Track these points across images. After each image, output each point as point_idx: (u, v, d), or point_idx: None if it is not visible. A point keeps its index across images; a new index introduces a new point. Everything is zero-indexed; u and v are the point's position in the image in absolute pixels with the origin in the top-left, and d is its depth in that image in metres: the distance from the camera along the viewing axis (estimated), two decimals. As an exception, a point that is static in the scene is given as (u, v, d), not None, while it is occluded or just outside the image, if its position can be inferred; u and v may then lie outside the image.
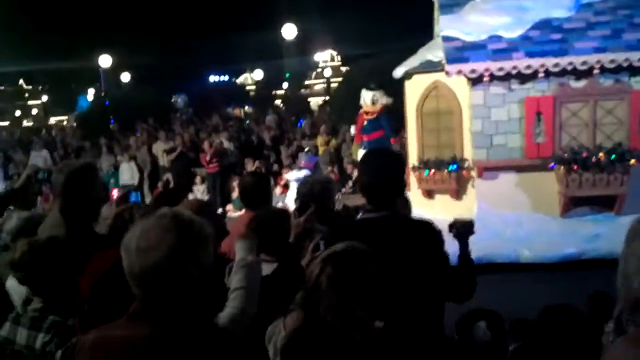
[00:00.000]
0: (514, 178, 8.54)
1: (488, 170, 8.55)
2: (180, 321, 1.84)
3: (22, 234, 3.51)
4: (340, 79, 30.53)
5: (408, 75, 9.24)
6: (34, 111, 48.78)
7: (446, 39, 8.42)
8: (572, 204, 8.42)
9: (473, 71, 8.11)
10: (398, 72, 9.30)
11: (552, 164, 8.23)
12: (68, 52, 31.96)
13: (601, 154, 8.05)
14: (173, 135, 17.94)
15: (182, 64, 36.85)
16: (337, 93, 23.02)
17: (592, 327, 2.99)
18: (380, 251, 2.52)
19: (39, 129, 31.14)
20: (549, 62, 7.94)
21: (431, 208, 8.94)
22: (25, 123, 40.03)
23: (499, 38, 8.29)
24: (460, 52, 8.20)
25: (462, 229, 3.07)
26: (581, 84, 8.16)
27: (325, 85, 40.15)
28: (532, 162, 8.36)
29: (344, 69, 40.11)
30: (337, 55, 47.91)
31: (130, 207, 3.39)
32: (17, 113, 46.25)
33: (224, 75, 43.30)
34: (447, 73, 8.19)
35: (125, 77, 37.40)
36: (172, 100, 32.99)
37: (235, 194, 13.81)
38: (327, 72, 40.64)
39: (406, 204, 4.88)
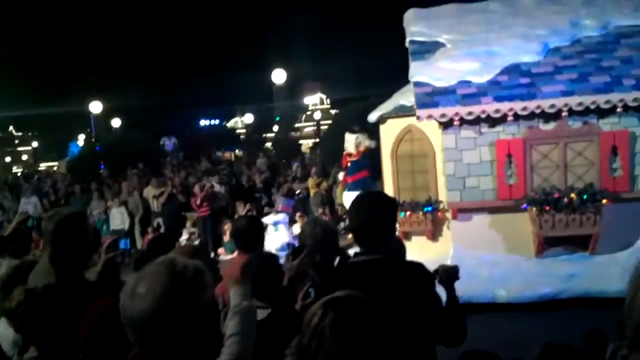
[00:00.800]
0: (488, 219, 8.63)
1: (462, 211, 8.64)
2: None
3: (12, 281, 3.53)
4: (329, 122, 30.86)
5: (382, 119, 9.41)
6: (24, 157, 49.01)
7: (417, 84, 8.61)
8: (547, 244, 8.49)
9: (443, 115, 8.27)
10: (373, 117, 9.47)
11: (525, 205, 8.33)
12: (58, 98, 32.33)
13: (573, 195, 8.16)
14: (164, 179, 18.05)
15: (173, 109, 37.23)
16: (327, 135, 23.26)
17: None
18: (373, 295, 2.50)
19: (29, 175, 31.22)
20: (517, 105, 8.11)
21: (408, 250, 8.95)
22: (15, 169, 40.12)
23: (468, 83, 8.47)
24: (430, 97, 8.37)
25: (446, 275, 3.11)
26: (550, 126, 8.32)
27: (315, 127, 40.52)
28: (505, 203, 8.46)
29: (333, 111, 40.57)
30: (327, 98, 48.47)
31: (119, 254, 3.42)
32: (7, 159, 46.39)
33: (215, 119, 43.71)
34: (418, 118, 8.35)
35: (116, 122, 37.72)
36: (161, 143, 33.22)
37: (226, 238, 13.83)
38: (317, 115, 41.09)
39: (400, 246, 4.91)
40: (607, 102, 7.99)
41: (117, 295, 2.07)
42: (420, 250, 8.74)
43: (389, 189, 9.43)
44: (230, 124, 46.25)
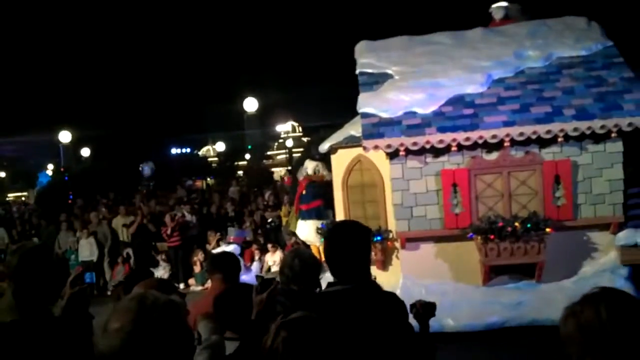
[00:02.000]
0: (436, 248, 8.70)
1: (410, 241, 8.70)
2: None
3: None
4: (302, 150, 30.93)
5: (333, 149, 9.49)
6: (-10, 187, 48.53)
7: (364, 115, 8.71)
8: (493, 273, 8.57)
9: (389, 146, 8.37)
10: (324, 147, 9.54)
11: (470, 234, 8.41)
12: (27, 127, 32.09)
13: (517, 224, 8.26)
14: (133, 209, 17.90)
15: (143, 137, 37.10)
16: (299, 163, 23.20)
17: None
18: (345, 324, 2.52)
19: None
20: (460, 136, 8.23)
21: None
22: (-18, 200, 39.62)
23: (413, 114, 8.60)
24: (376, 128, 8.47)
25: (423, 310, 3.13)
26: (494, 156, 8.46)
27: (287, 155, 40.57)
28: (451, 232, 8.54)
29: (305, 139, 40.71)
30: (298, 126, 48.78)
31: (86, 287, 3.35)
32: (-26, 190, 45.81)
33: (186, 148, 43.68)
34: (365, 148, 8.43)
35: (85, 151, 37.48)
36: (140, 168, 32.94)
37: (197, 269, 13.74)
38: (289, 143, 41.18)
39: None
40: (548, 132, 8.15)
41: (86, 330, 2.07)
42: (370, 280, 8.77)
43: (340, 219, 9.46)
44: (201, 152, 46.27)
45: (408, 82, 9.02)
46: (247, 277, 10.14)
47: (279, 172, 37.91)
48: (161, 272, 13.94)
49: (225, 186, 27.82)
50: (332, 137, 9.58)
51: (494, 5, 10.66)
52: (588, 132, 8.13)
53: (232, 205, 19.16)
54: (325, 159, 10.38)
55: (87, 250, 14.88)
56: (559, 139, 8.22)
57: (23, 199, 33.87)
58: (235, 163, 40.64)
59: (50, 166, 35.94)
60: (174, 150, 42.74)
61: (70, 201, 25.15)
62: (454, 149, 8.35)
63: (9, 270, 3.30)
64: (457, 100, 8.71)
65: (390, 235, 8.98)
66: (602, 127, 8.09)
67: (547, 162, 8.36)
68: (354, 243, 3.07)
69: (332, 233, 3.23)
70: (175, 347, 1.88)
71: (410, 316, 3.10)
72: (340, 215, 9.48)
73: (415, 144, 8.33)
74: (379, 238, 8.96)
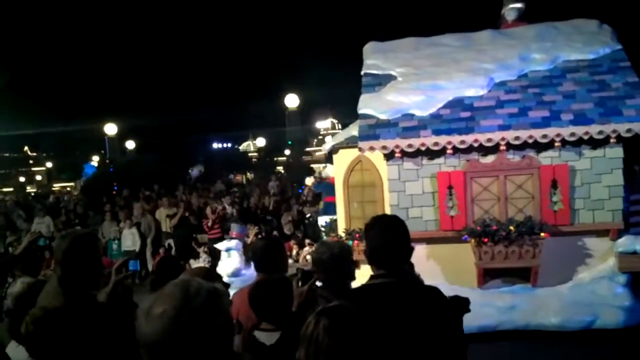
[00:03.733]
0: (431, 250, 8.75)
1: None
2: None
3: (24, 299, 3.55)
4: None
5: (335, 149, 9.63)
6: (38, 177, 49.89)
7: (362, 116, 8.83)
8: (488, 276, 8.57)
9: (384, 147, 8.46)
10: (326, 147, 9.69)
11: (465, 236, 8.44)
12: (73, 119, 33.17)
13: (511, 227, 8.25)
14: (176, 201, 18.39)
15: (186, 132, 37.92)
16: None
17: None
18: (390, 316, 2.61)
19: (42, 195, 31.96)
20: (455, 139, 8.26)
21: (357, 278, 9.13)
22: (29, 189, 40.94)
23: (411, 116, 8.66)
24: (372, 130, 8.57)
25: (458, 306, 3.19)
26: (490, 159, 8.45)
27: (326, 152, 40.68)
28: (447, 234, 8.58)
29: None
30: (338, 123, 48.90)
31: (130, 275, 3.50)
32: (22, 179, 47.15)
33: (227, 142, 44.37)
34: (360, 149, 8.55)
35: (130, 144, 38.52)
36: (189, 170, 33.61)
37: None
38: (328, 140, 41.27)
39: (412, 268, 4.94)
40: (544, 136, 8.11)
41: (130, 316, 2.16)
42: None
43: (340, 218, 9.61)
44: (242, 147, 46.87)
45: (409, 84, 9.09)
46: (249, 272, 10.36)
47: (318, 168, 38.18)
48: (201, 263, 14.27)
49: (265, 181, 28.21)
50: (336, 137, 9.73)
51: (506, 7, 10.58)
52: (586, 137, 8.04)
53: (271, 199, 19.50)
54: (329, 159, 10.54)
55: (129, 240, 15.20)
56: (556, 144, 8.15)
57: (69, 189, 35.05)
58: (275, 159, 41.05)
59: (96, 158, 37.09)
60: (215, 145, 43.51)
61: (114, 192, 25.91)
62: (449, 151, 8.39)
63: (58, 254, 3.36)
64: (456, 103, 8.73)
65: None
66: (600, 132, 7.99)
67: (544, 167, 8.31)
68: (398, 236, 3.10)
69: (375, 226, 3.22)
70: (217, 335, 1.88)
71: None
72: (340, 214, 9.62)
73: (410, 146, 8.40)
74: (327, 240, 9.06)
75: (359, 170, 9.39)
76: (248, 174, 38.08)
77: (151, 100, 35.54)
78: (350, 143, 9.42)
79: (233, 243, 10.49)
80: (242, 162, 40.33)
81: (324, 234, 10.04)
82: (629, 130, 7.94)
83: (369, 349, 2.31)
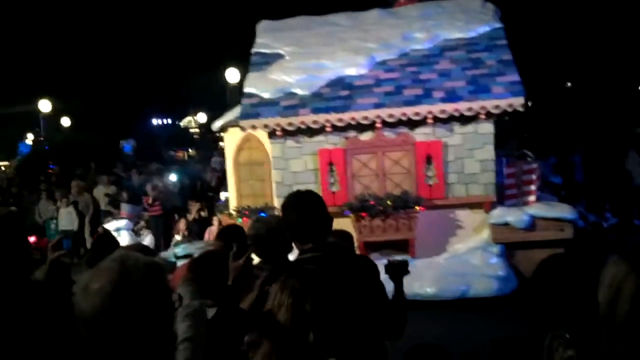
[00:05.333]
0: (315, 225, 8.98)
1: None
2: None
3: None
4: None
5: (225, 127, 9.75)
6: (-31, 157, 48.74)
7: (246, 95, 8.97)
8: (369, 249, 8.87)
9: (266, 126, 8.64)
10: (216, 125, 9.81)
11: (346, 211, 8.71)
12: (6, 96, 32.23)
13: (388, 202, 8.55)
14: (114, 179, 18.09)
15: (124, 108, 37.25)
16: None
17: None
18: (326, 287, 2.57)
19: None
20: (333, 117, 8.49)
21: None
22: (-40, 169, 39.96)
23: (293, 95, 8.84)
24: (254, 108, 8.73)
25: (396, 269, 3.23)
26: (369, 136, 8.72)
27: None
28: (329, 209, 8.80)
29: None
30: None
31: (67, 254, 3.49)
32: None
33: (167, 119, 43.85)
34: (242, 128, 8.70)
35: (66, 121, 37.74)
36: (120, 145, 33.17)
37: (178, 237, 14.00)
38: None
39: (348, 237, 5.02)
40: (417, 113, 8.39)
41: (68, 294, 2.10)
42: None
43: (232, 196, 9.78)
44: (183, 123, 46.42)
45: (295, 63, 9.25)
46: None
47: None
48: (144, 241, 14.17)
49: (207, 157, 28.06)
50: (225, 115, 9.85)
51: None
52: (456, 114, 8.36)
53: (214, 175, 19.37)
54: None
55: (67, 219, 14.81)
56: (429, 121, 8.45)
57: (3, 168, 34.29)
58: (217, 134, 40.74)
59: (31, 136, 36.32)
60: (155, 121, 42.96)
61: (50, 171, 25.44)
62: (328, 129, 8.61)
63: None
64: (338, 82, 8.94)
65: (274, 212, 9.27)
66: (469, 109, 8.32)
67: (419, 143, 8.61)
68: (313, 209, 3.12)
69: (290, 202, 3.23)
70: (156, 309, 1.84)
71: (386, 276, 3.17)
72: (232, 192, 9.79)
73: (290, 124, 8.59)
74: (263, 215, 9.26)
75: (247, 149, 9.54)
76: (190, 150, 37.77)
77: (88, 76, 34.70)
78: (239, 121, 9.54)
79: (123, 222, 10.53)
80: (183, 138, 39.97)
81: (219, 211, 10.20)
82: (496, 107, 8.29)
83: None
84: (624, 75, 26.15)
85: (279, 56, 9.58)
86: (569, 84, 32.42)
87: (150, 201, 14.27)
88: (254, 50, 9.83)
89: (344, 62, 9.10)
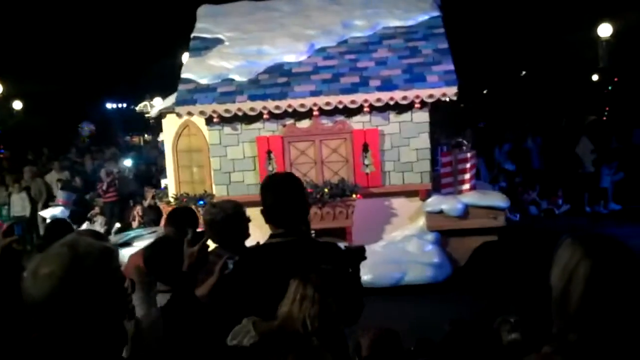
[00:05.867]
0: (253, 213, 8.92)
1: (230, 205, 8.96)
2: (82, 351, 1.79)
3: None
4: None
5: (163, 114, 9.64)
6: None
7: (183, 81, 8.86)
8: (307, 237, 8.91)
9: (202, 112, 8.56)
10: (154, 112, 9.68)
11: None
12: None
13: (325, 190, 8.58)
14: (68, 164, 17.68)
15: (79, 92, 36.48)
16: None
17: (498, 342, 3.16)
18: (289, 274, 2.64)
19: None
20: (270, 104, 8.45)
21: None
22: None
23: (231, 81, 8.77)
24: (190, 94, 8.64)
25: (355, 255, 3.20)
26: (306, 124, 8.71)
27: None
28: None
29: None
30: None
31: (17, 240, 3.37)
32: None
33: (123, 103, 43.03)
34: (178, 114, 8.61)
35: (17, 105, 36.81)
36: (79, 128, 32.45)
37: (135, 224, 13.74)
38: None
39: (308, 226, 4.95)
40: (353, 102, 8.41)
41: (18, 283, 1.99)
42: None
43: (171, 183, 9.68)
44: (139, 107, 45.61)
45: (234, 48, 9.18)
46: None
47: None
48: (97, 228, 13.91)
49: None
50: (165, 101, 9.73)
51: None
52: (392, 102, 8.40)
53: None
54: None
55: (19, 205, 14.46)
56: (365, 109, 8.48)
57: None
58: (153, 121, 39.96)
59: (-20, 120, 35.34)
60: (110, 106, 42.18)
61: (1, 155, 24.84)
62: (265, 116, 8.57)
63: None
64: (276, 69, 8.90)
65: (213, 200, 9.22)
66: (404, 97, 8.37)
67: (356, 131, 8.64)
68: (291, 194, 3.09)
69: (269, 185, 3.23)
70: (107, 294, 1.83)
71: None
72: (170, 179, 9.69)
73: (227, 111, 8.52)
74: (201, 202, 9.20)
75: (186, 136, 9.44)
76: (146, 135, 37.25)
77: (41, 58, 33.82)
78: (177, 108, 9.43)
79: (58, 210, 10.35)
80: (138, 123, 39.42)
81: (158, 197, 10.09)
82: (430, 96, 8.36)
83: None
84: (578, 65, 26.65)
85: (218, 41, 9.49)
86: (524, 73, 32.90)
87: (104, 187, 14.06)
88: (193, 35, 9.72)
89: (284, 48, 9.06)
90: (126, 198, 14.74)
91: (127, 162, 17.89)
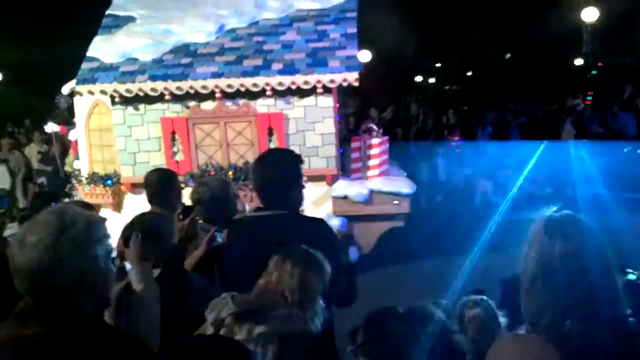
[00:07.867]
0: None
1: (136, 186, 8.92)
2: (73, 319, 1.79)
3: None
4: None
5: (75, 92, 9.53)
6: None
7: (87, 59, 8.76)
8: (211, 219, 8.89)
9: (103, 92, 8.47)
10: (65, 90, 9.60)
11: (190, 180, 8.66)
12: None
13: (230, 173, 8.53)
14: (47, 137, 17.61)
15: (58, 63, 36.26)
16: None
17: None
18: (273, 245, 2.68)
19: None
20: (171, 85, 8.35)
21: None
22: None
23: (134, 60, 8.66)
24: (92, 73, 8.54)
25: (342, 238, 3.26)
26: (211, 106, 8.63)
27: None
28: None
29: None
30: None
31: (4, 213, 3.35)
32: None
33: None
34: (79, 94, 8.52)
35: (-3, 76, 36.57)
36: (55, 100, 32.32)
37: None
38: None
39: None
40: (255, 85, 8.32)
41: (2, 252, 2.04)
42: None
43: (83, 162, 9.62)
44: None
45: (143, 27, 9.06)
46: None
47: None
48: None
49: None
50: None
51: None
52: (294, 87, 8.31)
53: None
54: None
55: None
56: (268, 93, 8.39)
57: None
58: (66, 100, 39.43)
59: (-43, 91, 35.12)
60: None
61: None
62: (168, 97, 8.48)
63: None
64: (182, 49, 8.79)
65: (120, 179, 9.19)
66: (306, 82, 8.28)
67: (260, 115, 8.56)
68: (284, 170, 3.13)
69: (262, 159, 3.26)
70: (94, 263, 1.83)
71: None
72: (83, 158, 9.62)
73: (128, 90, 8.43)
74: (109, 182, 9.16)
75: (97, 115, 9.35)
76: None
77: (19, 29, 33.51)
78: (88, 86, 9.33)
79: None
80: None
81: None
82: (332, 81, 8.27)
83: None
84: (561, 49, 26.50)
85: (130, 19, 9.36)
86: (508, 56, 32.71)
87: None
88: (107, 12, 9.58)
89: (192, 28, 8.95)
90: None
91: None
